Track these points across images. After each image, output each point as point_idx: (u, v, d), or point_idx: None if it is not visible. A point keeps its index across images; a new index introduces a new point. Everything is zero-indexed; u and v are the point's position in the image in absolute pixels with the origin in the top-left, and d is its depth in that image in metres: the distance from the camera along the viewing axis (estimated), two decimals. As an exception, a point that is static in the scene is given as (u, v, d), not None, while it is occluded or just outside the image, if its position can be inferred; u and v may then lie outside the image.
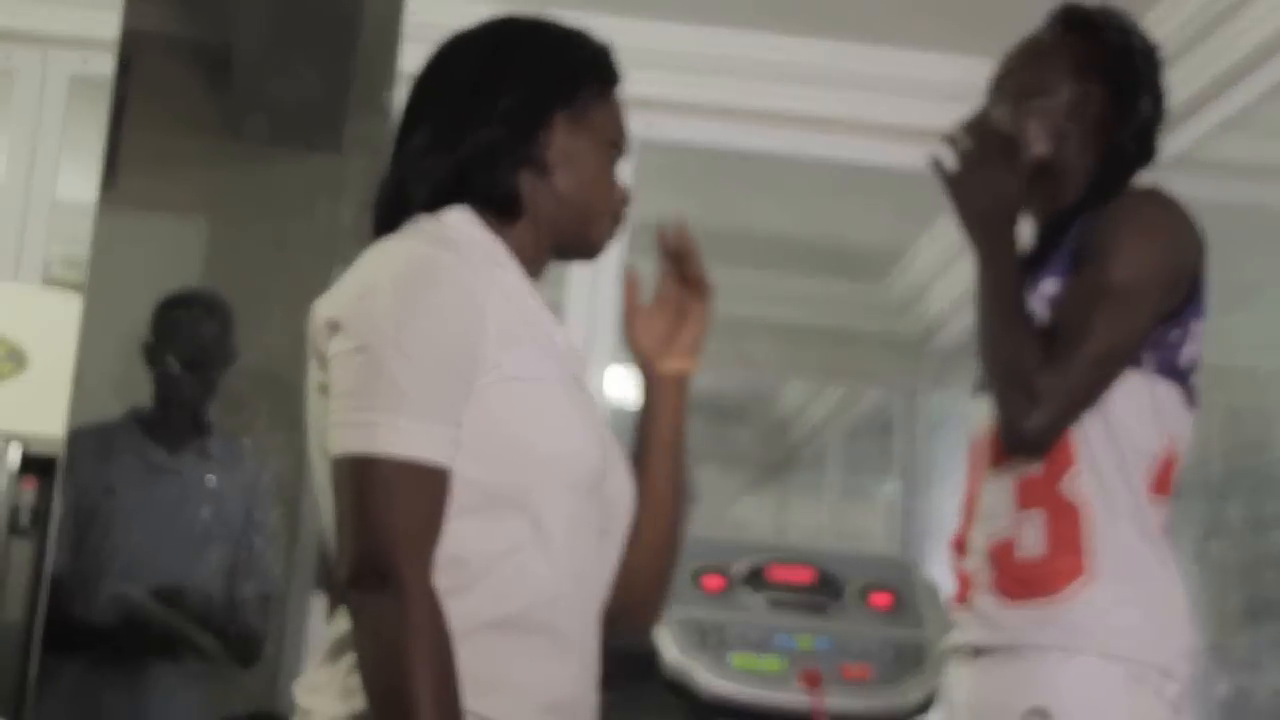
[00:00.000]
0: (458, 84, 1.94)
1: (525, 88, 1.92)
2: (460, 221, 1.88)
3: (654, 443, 2.00)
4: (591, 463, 1.84)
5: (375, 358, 1.74)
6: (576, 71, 1.96)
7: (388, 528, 1.71)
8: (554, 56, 1.96)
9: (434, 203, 1.90)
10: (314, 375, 1.82)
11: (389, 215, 1.92)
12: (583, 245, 1.98)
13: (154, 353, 3.72)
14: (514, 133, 1.90)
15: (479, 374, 1.77)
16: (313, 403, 1.83)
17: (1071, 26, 2.53)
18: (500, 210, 1.90)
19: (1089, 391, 2.32)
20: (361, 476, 1.73)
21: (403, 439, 1.72)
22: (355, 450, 1.73)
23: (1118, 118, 2.49)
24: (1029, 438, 2.32)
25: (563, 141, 1.92)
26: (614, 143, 1.98)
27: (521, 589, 1.78)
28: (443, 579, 1.72)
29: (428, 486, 1.73)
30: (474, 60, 1.95)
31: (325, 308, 1.81)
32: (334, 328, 1.78)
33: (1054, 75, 2.49)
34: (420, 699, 1.65)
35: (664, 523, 1.98)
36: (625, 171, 2.04)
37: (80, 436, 3.60)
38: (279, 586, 3.71)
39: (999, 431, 2.36)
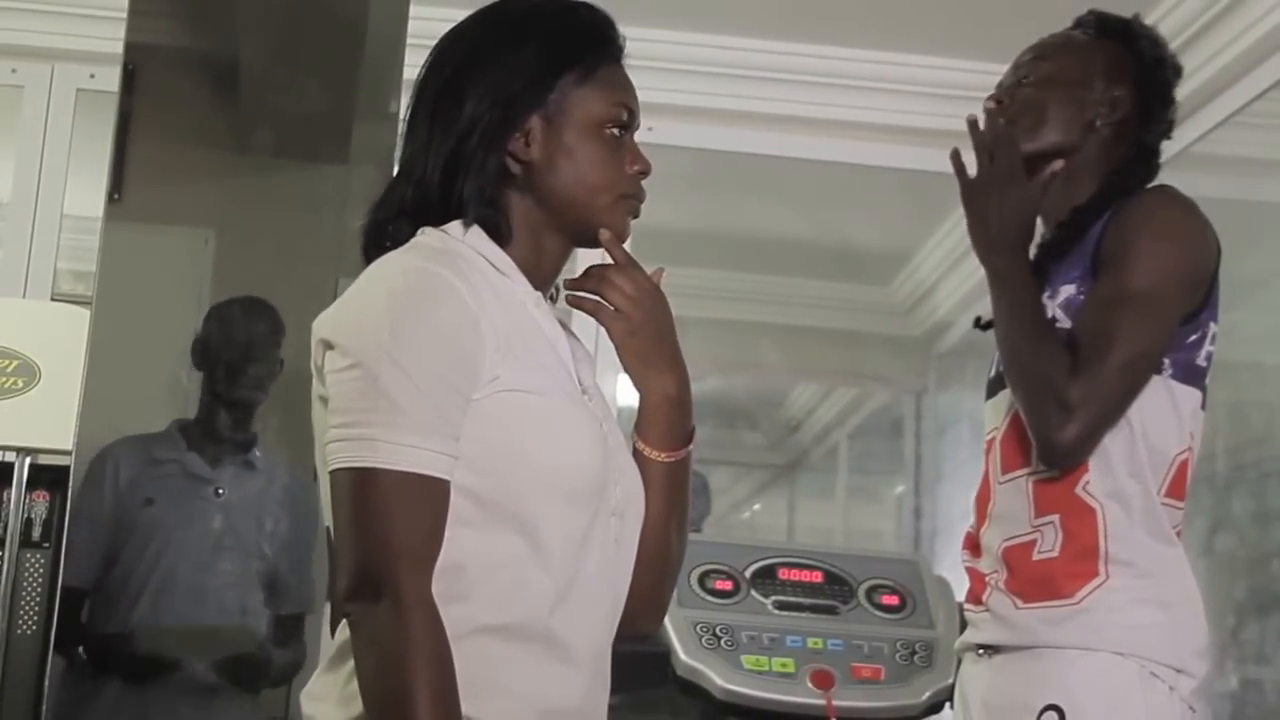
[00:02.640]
0: (426, 108, 1.90)
1: (489, 102, 1.86)
2: (463, 232, 1.87)
3: (646, 451, 1.97)
4: (591, 473, 1.82)
5: (371, 374, 1.73)
6: (545, 71, 1.88)
7: (386, 541, 1.70)
8: (520, 59, 1.88)
9: (414, 229, 1.88)
10: (315, 388, 1.82)
11: (370, 247, 1.91)
12: (594, 237, 1.92)
13: (203, 361, 3.70)
14: (482, 154, 1.86)
15: (477, 386, 1.76)
16: (316, 415, 1.82)
17: (1105, 33, 2.54)
18: (489, 229, 1.88)
19: (1120, 399, 2.31)
20: (360, 491, 1.72)
21: (401, 453, 1.71)
22: (353, 465, 1.73)
23: (1140, 126, 2.50)
24: (1065, 449, 2.30)
25: (544, 143, 1.88)
26: (607, 120, 1.90)
27: (519, 599, 1.77)
28: (441, 585, 1.72)
29: (426, 500, 1.73)
30: (443, 75, 1.91)
31: (320, 326, 1.80)
32: (328, 345, 1.78)
33: (1089, 71, 2.50)
34: (420, 712, 1.65)
35: (657, 529, 1.95)
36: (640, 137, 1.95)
37: (120, 446, 3.60)
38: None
39: (1035, 445, 2.34)
